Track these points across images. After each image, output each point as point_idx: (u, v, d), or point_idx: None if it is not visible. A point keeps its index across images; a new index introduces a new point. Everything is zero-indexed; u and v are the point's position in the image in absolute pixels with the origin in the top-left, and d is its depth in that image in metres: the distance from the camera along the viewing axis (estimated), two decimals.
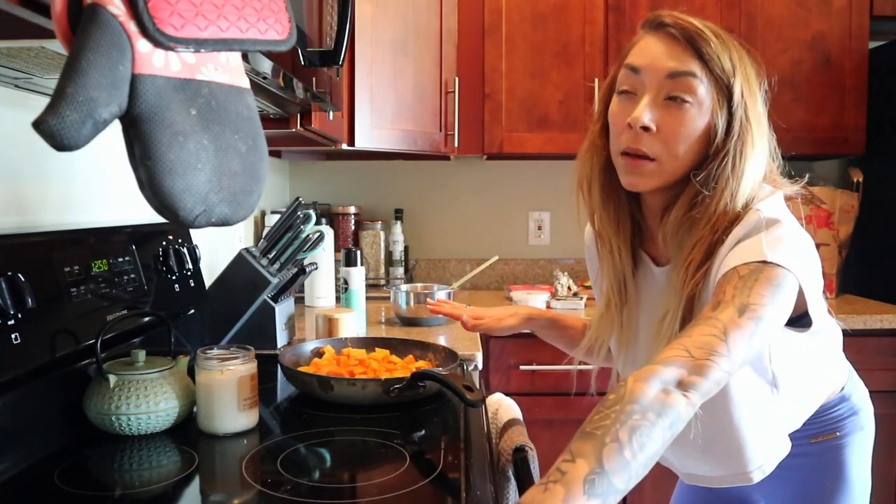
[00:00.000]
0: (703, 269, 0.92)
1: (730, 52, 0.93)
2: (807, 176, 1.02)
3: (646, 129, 0.93)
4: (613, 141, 0.99)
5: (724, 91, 0.92)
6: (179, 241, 1.38)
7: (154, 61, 0.64)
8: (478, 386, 1.35)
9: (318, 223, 1.82)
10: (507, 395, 1.35)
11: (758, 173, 0.94)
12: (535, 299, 2.23)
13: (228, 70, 0.74)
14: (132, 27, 0.61)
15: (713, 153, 0.93)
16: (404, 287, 2.10)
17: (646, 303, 1.07)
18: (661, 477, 1.33)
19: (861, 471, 1.11)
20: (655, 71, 0.93)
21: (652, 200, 1.03)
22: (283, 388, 1.30)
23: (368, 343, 1.42)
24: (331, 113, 1.64)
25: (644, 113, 0.92)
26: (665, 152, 0.93)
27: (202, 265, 1.46)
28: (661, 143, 0.93)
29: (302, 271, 1.56)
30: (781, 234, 0.88)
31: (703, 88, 0.92)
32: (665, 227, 0.98)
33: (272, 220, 2.25)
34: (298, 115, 1.49)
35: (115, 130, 0.65)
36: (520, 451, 1.08)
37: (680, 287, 0.94)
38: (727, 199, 0.92)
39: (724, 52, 0.92)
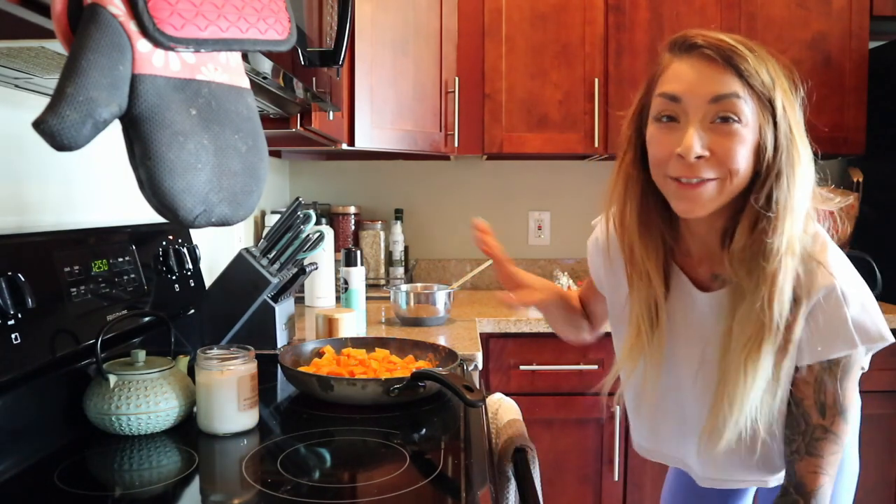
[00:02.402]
0: (795, 314, 0.93)
1: (766, 66, 0.90)
2: (852, 197, 1.02)
3: (699, 157, 0.90)
4: (657, 166, 0.95)
5: (768, 106, 0.90)
6: (179, 241, 1.38)
7: (154, 61, 0.64)
8: (478, 386, 1.35)
9: (318, 223, 1.82)
10: (507, 395, 1.35)
11: (810, 184, 0.93)
12: None
13: (228, 70, 0.74)
14: (132, 27, 0.62)
15: (765, 172, 0.91)
16: (404, 287, 2.10)
17: (683, 326, 1.05)
18: (660, 476, 1.33)
19: (853, 453, 1.15)
20: (698, 97, 0.90)
21: (696, 223, 1.00)
22: (283, 388, 1.30)
23: (368, 343, 1.42)
24: (331, 113, 1.64)
25: (695, 142, 0.89)
26: (724, 171, 0.90)
27: (202, 265, 1.46)
28: (718, 164, 0.90)
29: (302, 271, 1.56)
30: (859, 306, 0.93)
31: (748, 108, 0.89)
32: (731, 256, 0.95)
33: (272, 220, 2.25)
34: (298, 115, 1.49)
35: (115, 130, 0.65)
36: (520, 451, 1.08)
37: (769, 324, 0.92)
38: (791, 218, 0.90)
39: (761, 66, 0.90)
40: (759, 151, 0.91)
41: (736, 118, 0.89)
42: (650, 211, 1.00)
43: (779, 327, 0.92)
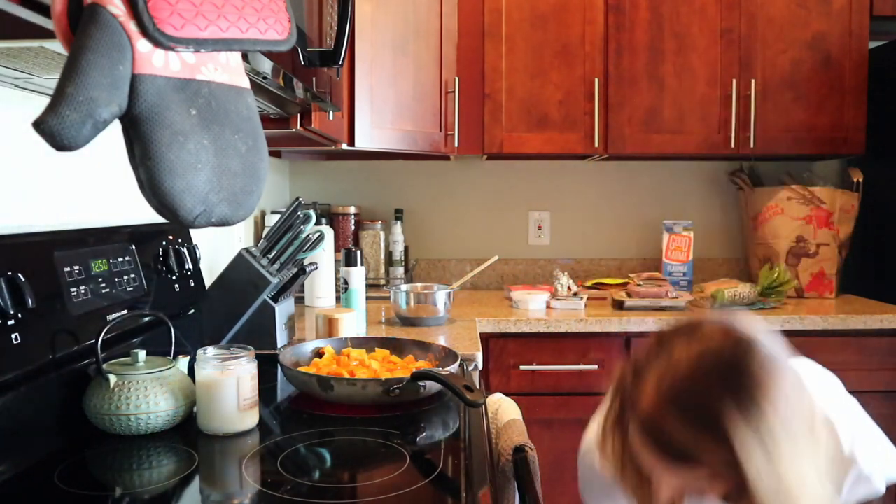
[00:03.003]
0: None
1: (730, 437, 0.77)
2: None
3: None
4: None
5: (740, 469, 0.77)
6: (179, 241, 1.38)
7: (154, 61, 0.64)
8: (478, 386, 1.35)
9: (318, 223, 1.82)
10: (507, 395, 1.35)
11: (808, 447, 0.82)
12: (535, 299, 2.23)
13: (228, 70, 0.74)
14: (132, 27, 0.62)
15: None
16: (404, 287, 2.10)
17: None
18: None
19: None
20: (660, 482, 0.84)
21: None
22: (283, 388, 1.30)
23: (368, 343, 1.42)
24: (331, 113, 1.64)
25: None
26: None
27: (202, 265, 1.46)
28: None
29: (302, 271, 1.56)
30: (878, 457, 0.92)
31: (714, 481, 0.80)
32: None
33: (272, 220, 2.25)
34: (298, 115, 1.49)
35: (115, 130, 0.65)
36: (520, 451, 1.08)
37: None
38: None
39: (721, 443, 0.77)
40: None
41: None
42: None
43: None
